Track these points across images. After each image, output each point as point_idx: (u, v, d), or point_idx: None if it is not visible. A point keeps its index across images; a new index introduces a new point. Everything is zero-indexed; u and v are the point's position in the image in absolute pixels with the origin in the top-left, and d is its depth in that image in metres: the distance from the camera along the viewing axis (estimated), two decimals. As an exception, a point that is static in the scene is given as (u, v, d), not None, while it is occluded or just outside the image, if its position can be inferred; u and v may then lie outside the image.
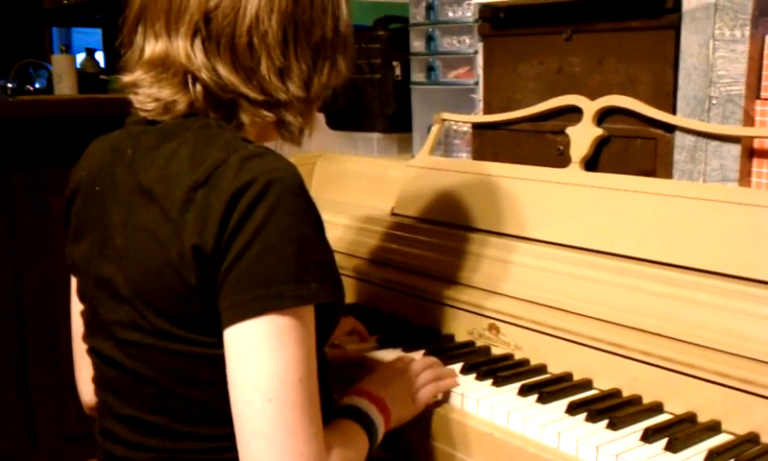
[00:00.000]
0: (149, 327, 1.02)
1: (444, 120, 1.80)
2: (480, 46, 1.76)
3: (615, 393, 1.23)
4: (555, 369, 1.32)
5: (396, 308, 1.58)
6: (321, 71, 1.10)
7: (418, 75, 2.02)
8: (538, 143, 1.61)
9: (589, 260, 1.34)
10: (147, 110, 1.07)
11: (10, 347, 2.62)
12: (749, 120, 1.34)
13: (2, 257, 2.58)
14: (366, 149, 2.14)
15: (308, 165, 2.05)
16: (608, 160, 1.48)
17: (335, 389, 1.22)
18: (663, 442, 1.07)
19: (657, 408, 1.18)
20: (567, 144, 1.51)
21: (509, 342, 1.38)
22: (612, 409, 1.16)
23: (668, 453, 1.06)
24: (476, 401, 1.22)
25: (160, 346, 1.02)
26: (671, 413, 1.17)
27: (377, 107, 2.08)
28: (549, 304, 1.34)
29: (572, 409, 1.17)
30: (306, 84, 1.09)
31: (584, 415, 1.16)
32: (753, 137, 1.33)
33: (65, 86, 3.07)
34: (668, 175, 1.41)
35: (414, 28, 2.01)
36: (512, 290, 1.40)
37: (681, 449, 1.06)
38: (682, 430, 1.10)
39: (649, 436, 1.09)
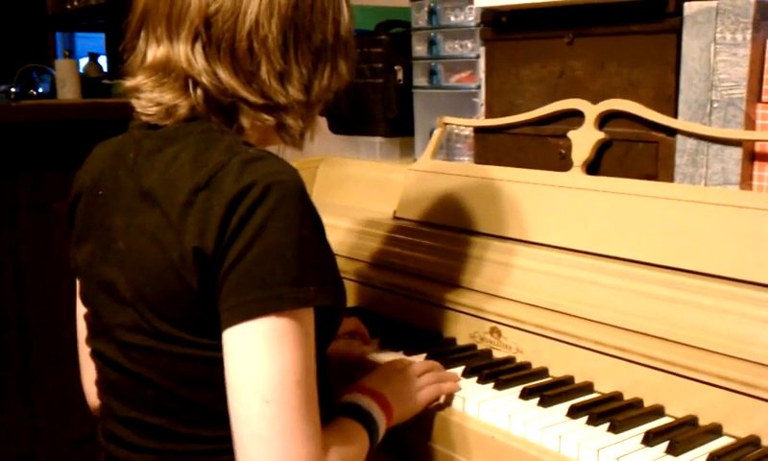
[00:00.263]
0: (151, 330, 1.02)
1: (447, 124, 1.80)
2: (482, 50, 1.76)
3: (617, 396, 1.23)
4: (556, 372, 1.32)
5: (397, 312, 1.58)
6: (321, 75, 1.11)
7: (420, 79, 2.02)
8: (539, 147, 1.61)
9: (591, 264, 1.34)
10: (149, 115, 1.08)
11: (12, 350, 2.63)
12: (750, 124, 1.34)
13: (5, 260, 2.59)
14: (368, 153, 2.14)
15: (310, 169, 2.06)
16: (609, 164, 1.49)
17: (337, 390, 1.22)
18: (664, 445, 1.07)
19: (658, 411, 1.18)
20: (569, 148, 1.51)
21: (510, 345, 1.38)
22: (613, 412, 1.16)
23: (669, 456, 1.06)
24: (478, 405, 1.22)
25: (162, 349, 1.02)
26: (672, 416, 1.17)
27: (380, 111, 2.08)
28: (551, 308, 1.34)
29: (573, 412, 1.17)
30: (307, 87, 1.09)
31: (585, 418, 1.16)
32: (754, 141, 1.34)
33: (68, 91, 3.08)
34: (670, 178, 1.41)
35: (416, 32, 2.01)
36: (513, 294, 1.40)
37: (682, 453, 1.06)
38: (683, 433, 1.10)
39: (650, 439, 1.09)
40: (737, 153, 1.33)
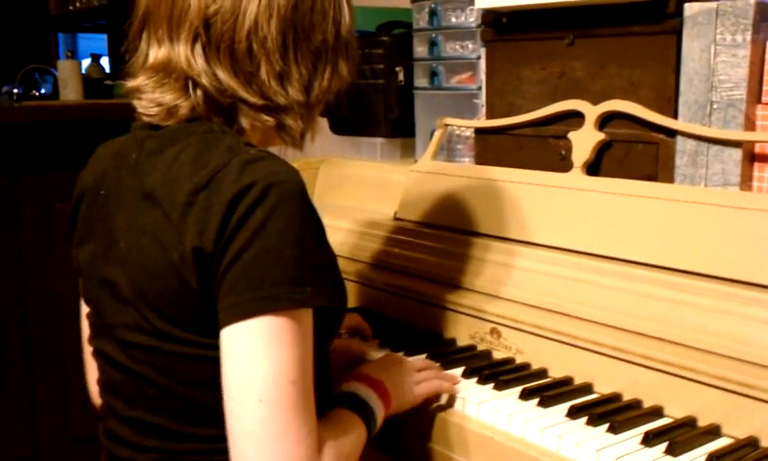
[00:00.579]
0: (152, 330, 1.03)
1: (447, 125, 1.80)
2: (483, 51, 1.76)
3: (616, 397, 1.23)
4: (556, 373, 1.32)
5: (397, 312, 1.59)
6: (322, 76, 1.11)
7: (421, 80, 2.02)
8: (540, 148, 1.61)
9: (591, 265, 1.34)
10: (150, 115, 1.08)
11: (14, 350, 2.63)
12: (750, 125, 1.34)
13: (7, 261, 2.59)
14: (369, 154, 2.14)
15: (311, 170, 2.06)
16: (609, 165, 1.49)
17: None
18: (663, 446, 1.07)
19: (657, 412, 1.18)
20: (569, 149, 1.51)
21: (510, 346, 1.39)
22: (612, 413, 1.16)
23: (668, 457, 1.06)
24: (477, 405, 1.22)
25: (163, 348, 1.03)
26: (671, 417, 1.17)
27: (380, 112, 2.08)
28: (550, 309, 1.34)
29: (573, 413, 1.17)
30: (306, 88, 1.09)
31: (584, 419, 1.16)
32: (754, 142, 1.34)
33: (71, 92, 3.09)
34: (670, 179, 1.41)
35: (417, 33, 2.01)
36: (513, 294, 1.40)
37: (681, 453, 1.06)
38: (682, 434, 1.10)
39: (649, 440, 1.09)
40: (737, 154, 1.33)
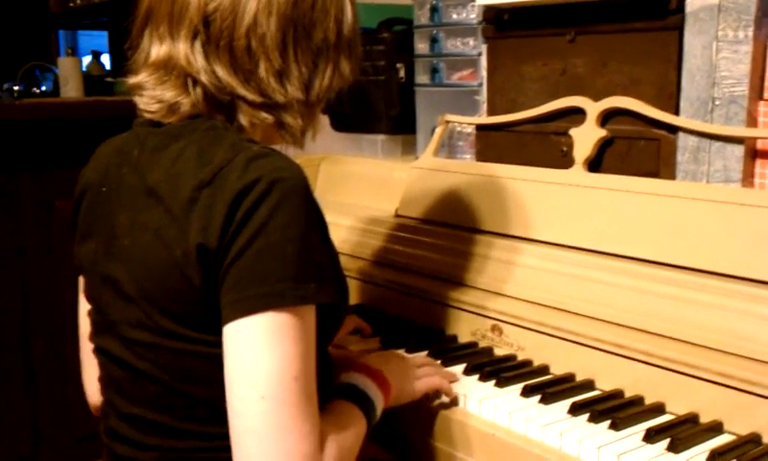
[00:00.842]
0: (155, 327, 1.03)
1: (448, 122, 1.80)
2: (484, 48, 1.76)
3: (618, 393, 1.23)
4: (558, 370, 1.32)
5: (399, 309, 1.58)
6: (323, 74, 1.10)
7: (422, 77, 2.02)
8: (541, 144, 1.61)
9: (592, 261, 1.34)
10: (151, 112, 1.08)
11: (15, 348, 2.63)
12: (752, 121, 1.34)
13: (8, 258, 2.59)
14: (370, 151, 2.14)
15: (313, 167, 2.06)
16: (611, 162, 1.49)
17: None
18: (665, 442, 1.07)
19: (659, 409, 1.18)
20: (571, 145, 1.51)
21: (512, 343, 1.39)
22: (614, 410, 1.16)
23: (670, 454, 1.06)
24: (479, 402, 1.22)
25: (166, 345, 1.03)
26: (673, 414, 1.17)
27: (381, 108, 2.08)
28: (552, 305, 1.34)
29: (575, 410, 1.17)
30: (306, 86, 1.09)
31: (586, 415, 1.16)
32: (756, 138, 1.33)
33: (71, 89, 3.08)
34: (671, 176, 1.41)
35: (418, 30, 2.01)
36: (515, 291, 1.40)
37: (683, 450, 1.06)
38: (684, 431, 1.10)
39: (651, 437, 1.09)
40: (739, 150, 1.33)
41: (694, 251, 1.25)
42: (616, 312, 1.26)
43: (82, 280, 1.21)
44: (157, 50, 1.07)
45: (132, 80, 1.10)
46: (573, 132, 1.51)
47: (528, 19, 1.63)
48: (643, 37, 1.44)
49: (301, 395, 0.96)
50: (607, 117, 1.50)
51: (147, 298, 1.03)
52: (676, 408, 1.17)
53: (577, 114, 1.53)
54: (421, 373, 1.26)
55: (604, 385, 1.26)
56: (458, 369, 1.33)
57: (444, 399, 1.26)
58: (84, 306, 1.21)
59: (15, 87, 2.99)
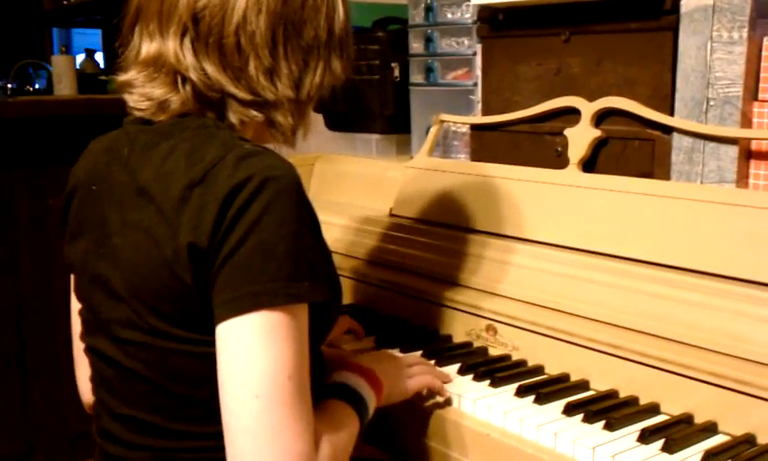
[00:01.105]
0: (146, 326, 1.02)
1: (443, 121, 1.80)
2: (479, 47, 1.76)
3: (612, 394, 1.23)
4: (552, 370, 1.32)
5: (393, 309, 1.58)
6: (313, 72, 1.10)
7: (416, 76, 2.02)
8: (536, 144, 1.61)
9: (587, 262, 1.34)
10: (141, 109, 1.08)
11: (9, 346, 2.62)
12: (746, 122, 1.34)
13: (2, 257, 2.59)
14: (364, 150, 2.14)
15: (307, 166, 2.06)
16: (605, 162, 1.49)
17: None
18: (660, 443, 1.07)
19: (653, 409, 1.18)
20: (565, 145, 1.51)
21: (506, 343, 1.39)
22: (608, 410, 1.16)
23: (665, 454, 1.06)
24: (473, 402, 1.22)
25: (157, 344, 1.02)
26: (668, 414, 1.17)
27: (376, 108, 2.08)
28: (547, 306, 1.34)
29: (569, 410, 1.17)
30: (296, 84, 1.09)
31: (581, 416, 1.16)
32: (750, 139, 1.34)
33: (65, 87, 3.08)
34: (666, 176, 1.41)
35: (413, 29, 2.01)
36: (509, 291, 1.40)
37: (677, 451, 1.06)
38: (678, 431, 1.10)
39: (646, 437, 1.09)
40: (733, 151, 1.33)
41: (689, 251, 1.25)
42: (611, 312, 1.26)
43: (73, 279, 1.20)
44: (147, 47, 1.07)
45: (122, 77, 1.10)
46: (568, 132, 1.52)
47: (523, 19, 1.63)
48: (638, 38, 1.45)
49: (295, 394, 0.95)
50: (601, 117, 1.50)
51: (138, 297, 1.02)
52: (670, 409, 1.17)
53: (572, 114, 1.53)
54: (414, 371, 1.26)
55: (598, 385, 1.26)
56: (452, 369, 1.33)
57: (438, 398, 1.26)
58: (75, 306, 1.21)
59: (9, 85, 2.99)
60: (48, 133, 2.63)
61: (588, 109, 1.50)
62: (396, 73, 2.06)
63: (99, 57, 4.28)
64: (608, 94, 1.48)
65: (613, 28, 1.48)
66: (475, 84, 1.80)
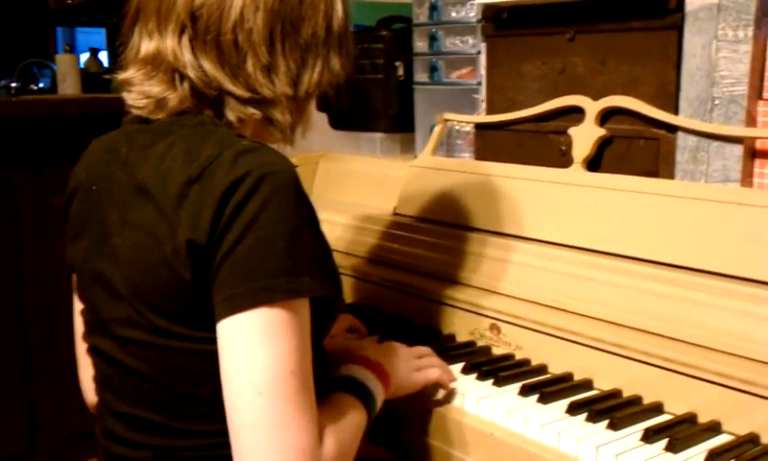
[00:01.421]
0: (147, 325, 1.02)
1: (447, 120, 1.80)
2: (483, 46, 1.76)
3: (616, 393, 1.23)
4: (556, 369, 1.31)
5: (397, 308, 1.58)
6: (311, 69, 1.10)
7: (421, 75, 2.02)
8: (540, 143, 1.61)
9: (591, 261, 1.34)
10: (139, 108, 1.08)
11: (12, 346, 2.63)
12: (751, 121, 1.34)
13: (5, 256, 2.59)
14: (369, 149, 2.14)
15: (311, 165, 2.05)
16: (610, 161, 1.48)
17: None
18: (664, 442, 1.07)
19: (657, 409, 1.17)
20: (570, 144, 1.51)
21: (510, 342, 1.38)
22: (612, 409, 1.16)
23: (669, 454, 1.05)
24: (477, 401, 1.22)
25: (158, 343, 1.02)
26: (671, 413, 1.16)
27: (380, 107, 2.08)
28: (550, 305, 1.34)
29: (573, 409, 1.17)
30: (294, 82, 1.09)
31: (584, 415, 1.15)
32: (755, 138, 1.33)
33: (69, 86, 3.08)
34: (670, 175, 1.41)
35: (417, 28, 2.01)
36: (513, 290, 1.40)
37: (681, 450, 1.06)
38: (682, 431, 1.10)
39: (649, 436, 1.08)
40: (738, 150, 1.33)
41: (693, 250, 1.24)
42: (615, 312, 1.25)
43: (74, 280, 1.20)
44: (146, 46, 1.08)
45: (122, 76, 1.10)
46: (572, 131, 1.51)
47: (527, 18, 1.63)
48: (643, 37, 1.44)
49: (299, 388, 0.96)
50: (606, 116, 1.50)
51: (138, 295, 1.02)
52: (674, 408, 1.16)
53: (576, 113, 1.53)
54: (422, 364, 1.26)
55: (602, 385, 1.25)
56: (456, 368, 1.32)
57: (441, 396, 1.25)
58: (78, 306, 1.21)
59: (13, 84, 2.98)
60: (52, 132, 2.63)
61: (592, 107, 1.50)
62: (401, 72, 2.06)
63: (103, 56, 4.29)
64: (612, 93, 1.48)
65: (618, 27, 1.48)
66: (479, 83, 1.80)
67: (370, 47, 2.06)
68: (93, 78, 3.41)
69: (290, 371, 0.95)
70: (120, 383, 1.09)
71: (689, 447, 1.07)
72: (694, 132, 1.37)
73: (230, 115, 1.07)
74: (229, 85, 1.05)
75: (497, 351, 1.40)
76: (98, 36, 4.82)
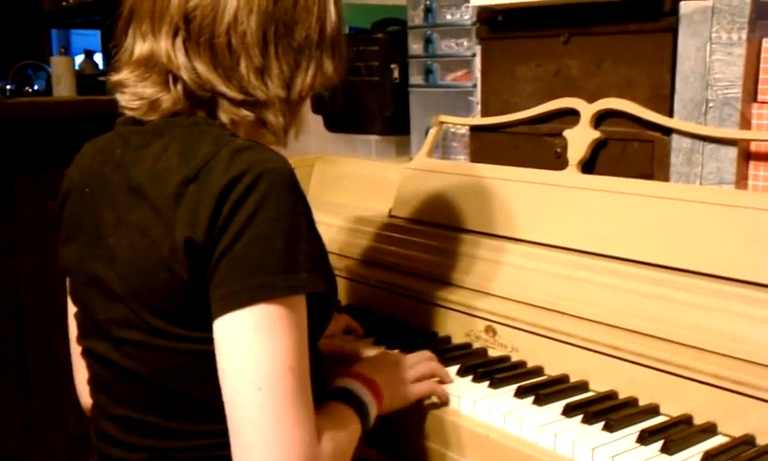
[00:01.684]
0: (143, 326, 1.02)
1: (442, 123, 1.80)
2: (478, 49, 1.76)
3: (612, 395, 1.23)
4: (552, 371, 1.32)
5: (393, 310, 1.58)
6: (305, 72, 1.10)
7: (416, 77, 2.02)
8: (535, 146, 1.61)
9: (587, 263, 1.34)
10: (132, 109, 1.09)
11: (8, 347, 2.62)
12: (745, 123, 1.34)
13: (1, 258, 2.58)
14: (364, 151, 2.14)
15: (306, 167, 2.05)
16: (605, 163, 1.49)
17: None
18: (659, 444, 1.07)
19: (653, 410, 1.18)
20: (565, 147, 1.51)
21: (506, 344, 1.38)
22: (608, 411, 1.16)
23: (664, 455, 1.06)
24: (473, 403, 1.22)
25: (155, 343, 1.02)
26: (667, 415, 1.17)
27: (375, 109, 2.08)
28: (546, 307, 1.34)
29: (569, 411, 1.17)
30: (288, 84, 1.09)
31: (580, 417, 1.16)
32: (749, 140, 1.34)
33: (64, 88, 3.08)
34: (665, 177, 1.41)
35: (412, 30, 2.01)
36: (508, 292, 1.40)
37: (677, 452, 1.06)
38: (678, 432, 1.10)
39: (645, 438, 1.09)
40: (733, 152, 1.33)
41: (688, 252, 1.25)
42: (611, 314, 1.26)
43: (68, 283, 1.20)
44: (140, 47, 1.08)
45: (115, 77, 1.11)
46: (567, 133, 1.52)
47: (522, 20, 1.63)
48: (637, 39, 1.45)
49: (297, 385, 0.96)
50: (601, 119, 1.50)
51: (134, 296, 1.02)
52: (670, 410, 1.17)
53: (571, 116, 1.53)
54: (416, 374, 1.26)
55: (598, 386, 1.26)
56: (452, 370, 1.32)
57: (437, 399, 1.26)
58: (72, 309, 1.21)
59: (8, 86, 2.99)
60: (47, 135, 2.62)
61: (587, 110, 1.50)
62: (396, 74, 2.06)
63: (98, 58, 4.28)
64: (607, 95, 1.48)
65: (613, 29, 1.48)
66: (474, 86, 1.80)
67: (365, 49, 2.07)
68: (88, 80, 3.42)
69: (288, 367, 0.95)
70: (115, 385, 1.09)
71: (685, 448, 1.07)
72: (689, 134, 1.38)
73: (223, 117, 1.07)
74: (223, 87, 1.06)
75: (493, 352, 1.40)
76: (93, 38, 4.82)
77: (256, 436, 0.95)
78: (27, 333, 2.65)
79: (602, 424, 1.13)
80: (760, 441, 1.08)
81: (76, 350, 1.22)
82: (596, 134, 1.48)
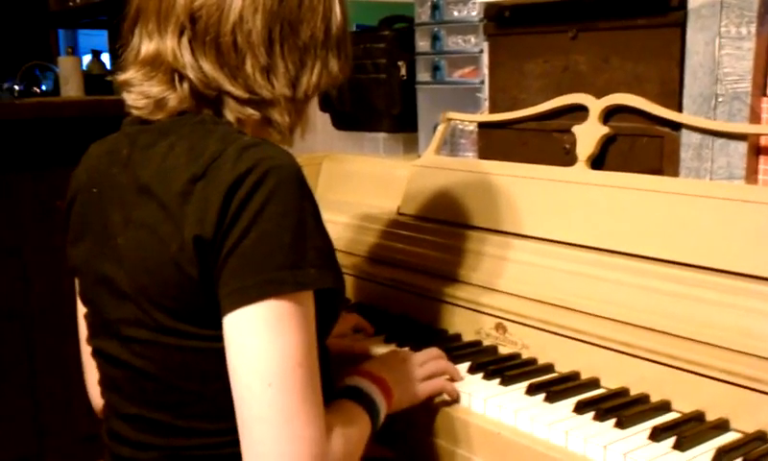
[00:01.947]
0: (152, 324, 1.03)
1: (450, 119, 1.80)
2: (485, 45, 1.76)
3: (623, 392, 1.22)
4: (562, 368, 1.31)
5: (402, 308, 1.58)
6: (310, 71, 1.11)
7: (423, 74, 2.02)
8: (544, 142, 1.60)
9: (596, 259, 1.34)
10: (138, 108, 1.09)
11: (17, 348, 2.63)
12: (755, 117, 1.33)
13: (8, 258, 2.59)
14: (372, 149, 2.14)
15: (314, 165, 2.05)
16: (614, 159, 1.48)
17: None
18: (671, 440, 1.07)
19: (664, 407, 1.17)
20: (574, 143, 1.51)
21: (516, 341, 1.38)
22: (619, 408, 1.16)
23: (676, 452, 1.05)
24: (484, 401, 1.22)
25: (164, 341, 1.03)
26: (679, 412, 1.16)
27: (383, 106, 2.08)
28: (556, 303, 1.34)
29: (580, 408, 1.17)
30: (293, 83, 1.09)
31: (591, 414, 1.15)
32: (759, 135, 1.33)
33: (72, 88, 3.08)
34: (675, 173, 1.41)
35: (419, 27, 2.01)
36: (518, 289, 1.40)
37: (688, 448, 1.06)
38: (689, 429, 1.10)
39: (657, 435, 1.08)
40: (742, 147, 1.33)
41: (698, 248, 1.24)
42: (621, 310, 1.25)
43: (77, 283, 1.21)
44: (147, 47, 1.08)
45: (122, 77, 1.11)
46: (576, 129, 1.51)
47: (529, 16, 1.63)
48: (646, 34, 1.44)
49: (306, 381, 0.96)
50: (609, 114, 1.49)
51: (144, 295, 1.03)
52: (682, 406, 1.16)
53: (579, 111, 1.53)
54: (426, 372, 1.26)
55: (609, 383, 1.25)
56: (462, 367, 1.32)
57: (448, 396, 1.26)
58: (81, 309, 1.21)
59: (16, 87, 2.99)
60: (55, 135, 2.63)
61: (595, 106, 1.49)
62: (403, 71, 2.06)
63: (105, 58, 4.28)
64: (615, 91, 1.48)
65: (621, 24, 1.47)
66: (482, 82, 1.80)
67: (372, 47, 2.06)
68: (96, 80, 3.42)
69: (297, 363, 0.95)
70: (125, 384, 1.10)
71: (697, 445, 1.07)
72: (698, 129, 1.37)
73: (229, 116, 1.08)
74: (228, 86, 1.06)
75: (503, 350, 1.40)
76: (100, 38, 4.82)
77: (266, 433, 0.95)
78: (35, 334, 2.66)
79: (614, 420, 1.13)
80: (773, 437, 1.07)
81: (86, 350, 1.22)
82: (605, 130, 1.48)
